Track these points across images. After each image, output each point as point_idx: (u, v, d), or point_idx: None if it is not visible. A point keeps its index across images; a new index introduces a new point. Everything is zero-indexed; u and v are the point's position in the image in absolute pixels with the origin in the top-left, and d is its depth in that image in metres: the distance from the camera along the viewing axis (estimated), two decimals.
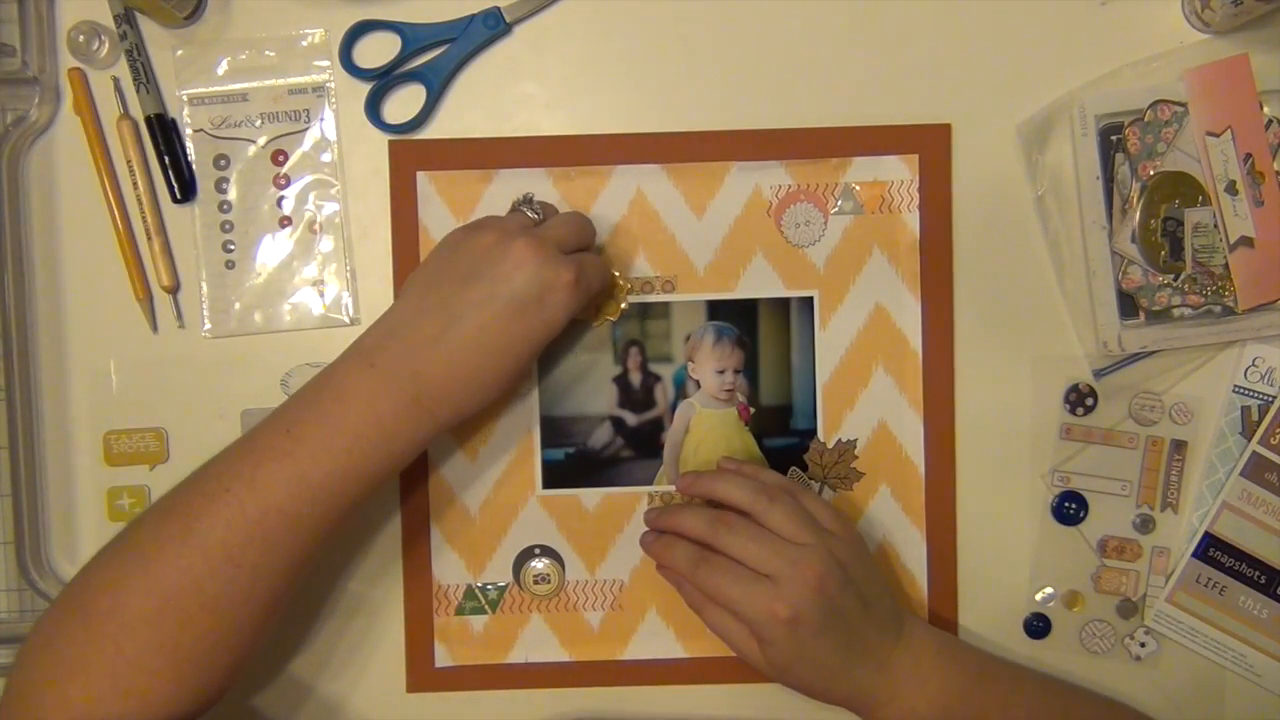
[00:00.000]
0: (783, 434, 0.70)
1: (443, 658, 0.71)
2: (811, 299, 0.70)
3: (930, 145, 0.69)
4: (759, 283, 0.70)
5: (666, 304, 0.70)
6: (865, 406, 0.70)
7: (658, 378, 0.70)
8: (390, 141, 0.70)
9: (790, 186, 0.70)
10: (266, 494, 0.55)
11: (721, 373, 0.70)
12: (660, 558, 0.65)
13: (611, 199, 0.70)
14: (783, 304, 0.70)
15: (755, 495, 0.63)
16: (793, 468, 0.70)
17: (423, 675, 0.71)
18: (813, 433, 0.70)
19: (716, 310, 0.70)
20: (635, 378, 0.70)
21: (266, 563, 0.56)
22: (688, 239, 0.70)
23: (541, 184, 0.70)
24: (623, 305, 0.70)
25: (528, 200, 0.66)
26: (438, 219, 0.70)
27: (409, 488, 0.70)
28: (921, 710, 0.63)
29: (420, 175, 0.70)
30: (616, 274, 0.69)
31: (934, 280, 0.70)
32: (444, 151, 0.70)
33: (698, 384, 0.70)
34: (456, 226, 0.64)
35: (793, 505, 0.63)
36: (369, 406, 0.57)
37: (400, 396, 0.57)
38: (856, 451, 0.70)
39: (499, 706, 0.71)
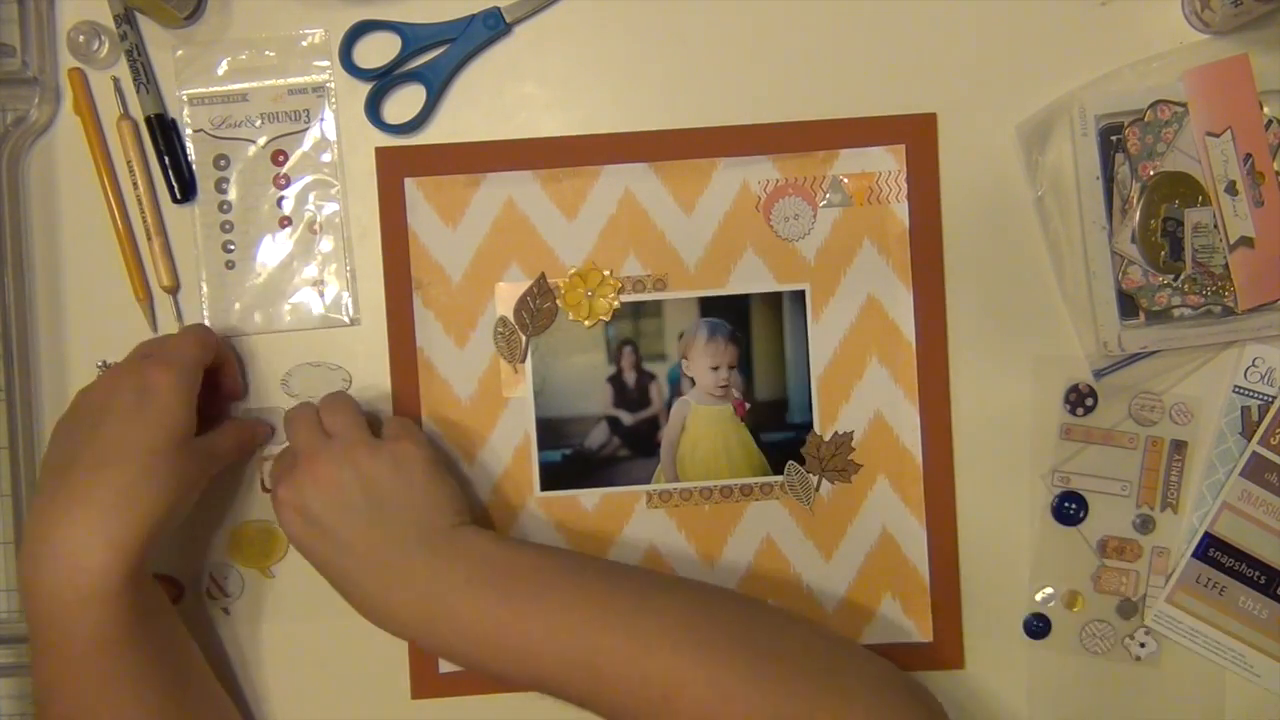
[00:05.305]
0: (779, 428, 0.70)
1: (447, 663, 0.71)
2: (803, 292, 0.70)
3: (916, 135, 0.69)
4: (750, 278, 0.70)
5: (658, 302, 0.70)
6: (860, 398, 0.70)
7: (652, 376, 0.70)
8: (377, 148, 0.70)
9: (778, 180, 0.70)
10: None
11: (716, 369, 0.70)
12: None
13: (600, 199, 0.70)
14: (774, 298, 0.70)
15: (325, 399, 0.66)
16: (790, 461, 0.70)
17: (427, 681, 0.71)
18: (809, 426, 0.70)
19: (708, 307, 0.70)
20: (630, 377, 0.70)
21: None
22: (677, 237, 0.70)
23: (530, 187, 0.70)
24: (614, 305, 0.70)
25: None
26: (427, 225, 0.70)
27: None
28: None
29: (408, 182, 0.70)
30: (607, 273, 0.69)
31: (925, 270, 0.69)
32: (431, 157, 0.70)
33: (692, 381, 0.70)
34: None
35: (342, 403, 0.65)
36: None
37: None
38: (854, 443, 0.70)
39: (503, 711, 0.71)
